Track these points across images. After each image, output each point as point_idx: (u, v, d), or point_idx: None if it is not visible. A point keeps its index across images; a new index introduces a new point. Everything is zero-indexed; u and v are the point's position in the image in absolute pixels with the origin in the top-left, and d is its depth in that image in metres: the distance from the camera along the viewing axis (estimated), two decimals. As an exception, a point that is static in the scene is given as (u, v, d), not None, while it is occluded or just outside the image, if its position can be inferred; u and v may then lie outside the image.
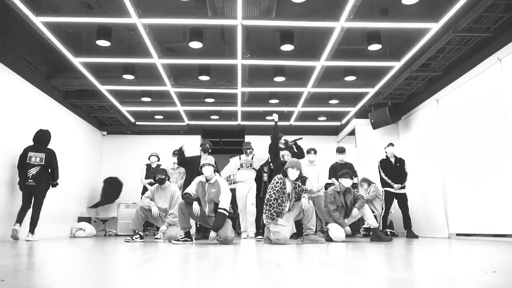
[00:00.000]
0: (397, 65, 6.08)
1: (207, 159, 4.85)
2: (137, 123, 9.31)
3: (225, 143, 11.79)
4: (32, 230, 5.50)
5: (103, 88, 7.04)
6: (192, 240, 4.77)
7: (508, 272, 1.83)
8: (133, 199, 8.69)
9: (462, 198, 5.90)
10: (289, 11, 5.19)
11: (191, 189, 4.74)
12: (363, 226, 6.71)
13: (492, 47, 5.24)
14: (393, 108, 7.71)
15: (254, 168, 6.29)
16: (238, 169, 6.31)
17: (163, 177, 5.44)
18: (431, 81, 6.97)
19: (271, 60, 6.22)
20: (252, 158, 6.30)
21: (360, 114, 8.56)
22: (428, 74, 6.55)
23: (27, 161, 5.49)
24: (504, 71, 4.96)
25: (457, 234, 6.09)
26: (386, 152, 6.72)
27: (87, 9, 5.26)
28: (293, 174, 4.60)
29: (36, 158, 5.56)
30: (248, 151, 6.33)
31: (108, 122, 9.42)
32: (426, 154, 7.10)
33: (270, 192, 4.54)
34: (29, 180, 5.46)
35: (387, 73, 6.43)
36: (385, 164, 6.64)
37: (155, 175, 5.53)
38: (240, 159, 6.39)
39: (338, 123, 9.55)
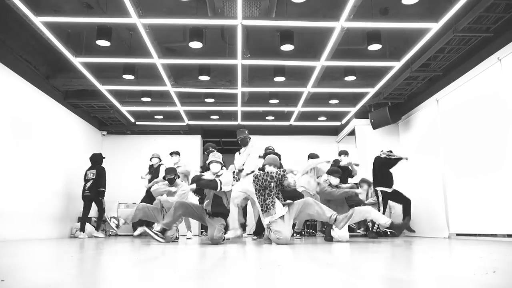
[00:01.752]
0: (397, 65, 6.08)
1: (215, 155, 4.80)
2: (137, 123, 9.31)
3: (225, 143, 11.79)
4: (97, 228, 7.46)
5: (103, 88, 7.03)
6: (163, 240, 4.73)
7: (508, 272, 1.83)
8: (133, 199, 8.69)
9: (463, 198, 5.90)
10: (289, 11, 5.19)
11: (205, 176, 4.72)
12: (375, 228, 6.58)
13: (492, 47, 5.23)
14: (393, 108, 7.70)
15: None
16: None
17: (173, 176, 5.44)
18: (431, 81, 6.97)
19: (271, 60, 6.21)
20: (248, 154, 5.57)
21: (360, 114, 8.56)
22: (428, 74, 6.55)
23: (85, 178, 7.27)
24: (504, 71, 4.96)
25: (457, 234, 6.09)
26: (381, 153, 6.60)
27: (87, 9, 5.25)
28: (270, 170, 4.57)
29: (90, 174, 7.28)
30: (244, 140, 5.42)
31: (108, 122, 9.42)
32: (426, 154, 7.09)
33: (255, 188, 4.52)
34: (86, 191, 7.15)
35: (387, 73, 6.43)
36: (379, 163, 6.52)
37: (165, 175, 5.57)
38: (239, 153, 5.66)
39: (338, 123, 9.55)
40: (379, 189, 6.43)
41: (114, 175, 9.39)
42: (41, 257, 2.85)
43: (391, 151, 6.60)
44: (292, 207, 4.62)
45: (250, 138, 5.59)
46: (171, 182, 5.47)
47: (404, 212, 6.33)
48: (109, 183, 9.32)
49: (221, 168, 4.75)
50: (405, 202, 6.33)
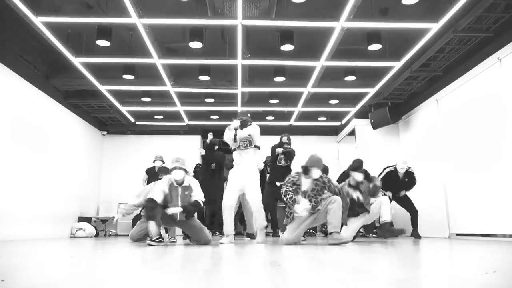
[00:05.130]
0: (397, 65, 6.08)
1: (179, 161, 4.30)
2: (137, 123, 9.31)
3: (225, 143, 11.81)
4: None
5: (103, 88, 7.03)
6: (163, 240, 4.52)
7: (508, 272, 1.83)
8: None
9: (463, 198, 5.90)
10: (289, 11, 5.19)
11: (158, 194, 4.25)
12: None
13: (492, 47, 5.23)
14: (393, 108, 7.70)
15: (257, 147, 4.71)
16: (234, 149, 4.79)
17: None
18: (431, 81, 6.97)
19: (271, 60, 6.21)
20: (249, 135, 4.66)
21: (360, 114, 8.56)
22: (428, 74, 6.55)
23: None
24: (504, 71, 4.96)
25: (457, 234, 6.09)
26: (395, 166, 6.14)
27: (87, 9, 5.25)
28: (316, 174, 4.25)
29: None
30: (245, 122, 4.69)
31: (108, 122, 9.43)
32: (426, 154, 7.09)
33: (283, 190, 4.26)
34: None
35: (387, 73, 6.43)
36: (391, 177, 6.08)
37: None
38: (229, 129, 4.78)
39: (338, 123, 9.55)
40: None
41: (114, 175, 9.43)
42: (41, 257, 2.85)
43: (405, 162, 6.18)
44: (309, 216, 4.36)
45: (251, 123, 4.85)
46: None
47: (412, 221, 6.15)
48: (109, 183, 9.38)
49: (186, 173, 4.35)
50: (411, 213, 6.15)
